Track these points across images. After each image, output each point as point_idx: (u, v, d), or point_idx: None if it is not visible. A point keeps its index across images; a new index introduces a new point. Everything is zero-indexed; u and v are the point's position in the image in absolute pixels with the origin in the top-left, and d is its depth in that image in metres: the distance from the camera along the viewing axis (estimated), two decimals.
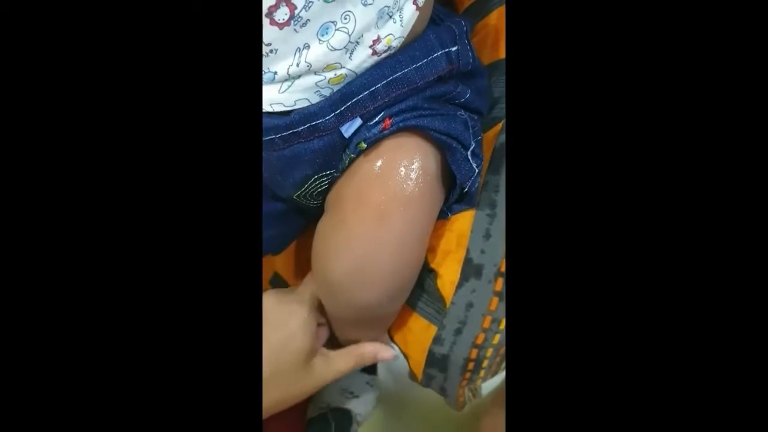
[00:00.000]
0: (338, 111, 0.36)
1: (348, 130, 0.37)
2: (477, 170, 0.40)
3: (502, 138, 0.41)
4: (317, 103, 0.36)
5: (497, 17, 0.44)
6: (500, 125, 0.42)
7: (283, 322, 0.43)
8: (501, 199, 0.40)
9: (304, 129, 0.36)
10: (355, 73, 0.35)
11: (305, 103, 0.36)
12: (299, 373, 0.43)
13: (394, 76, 0.35)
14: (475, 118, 0.41)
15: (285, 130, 0.37)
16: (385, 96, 0.36)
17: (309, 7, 0.32)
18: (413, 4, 0.35)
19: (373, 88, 0.35)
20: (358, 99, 0.36)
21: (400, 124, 0.37)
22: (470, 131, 0.40)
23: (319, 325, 0.46)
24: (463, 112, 0.40)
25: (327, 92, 0.36)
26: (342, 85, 0.36)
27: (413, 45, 0.36)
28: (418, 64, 0.36)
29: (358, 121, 0.37)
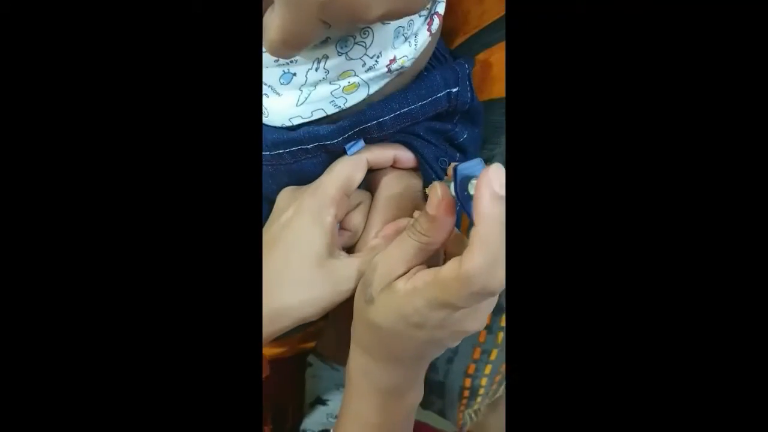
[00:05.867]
0: (346, 135, 0.39)
1: (352, 149, 0.40)
2: None
3: None
4: (327, 126, 0.39)
5: (486, 56, 0.46)
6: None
7: (296, 213, 0.39)
8: None
9: (312, 146, 0.39)
10: (368, 84, 0.38)
11: (321, 114, 0.38)
12: (314, 271, 0.37)
13: (402, 110, 0.39)
14: (457, 156, 0.44)
15: (294, 145, 0.39)
16: (390, 128, 0.39)
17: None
18: (427, 30, 0.38)
19: (382, 119, 0.39)
20: (366, 127, 0.39)
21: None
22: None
23: (341, 229, 0.41)
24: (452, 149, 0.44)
25: (341, 102, 0.38)
26: (354, 93, 0.38)
27: (421, 84, 0.40)
28: (424, 102, 0.39)
29: (362, 143, 0.40)
